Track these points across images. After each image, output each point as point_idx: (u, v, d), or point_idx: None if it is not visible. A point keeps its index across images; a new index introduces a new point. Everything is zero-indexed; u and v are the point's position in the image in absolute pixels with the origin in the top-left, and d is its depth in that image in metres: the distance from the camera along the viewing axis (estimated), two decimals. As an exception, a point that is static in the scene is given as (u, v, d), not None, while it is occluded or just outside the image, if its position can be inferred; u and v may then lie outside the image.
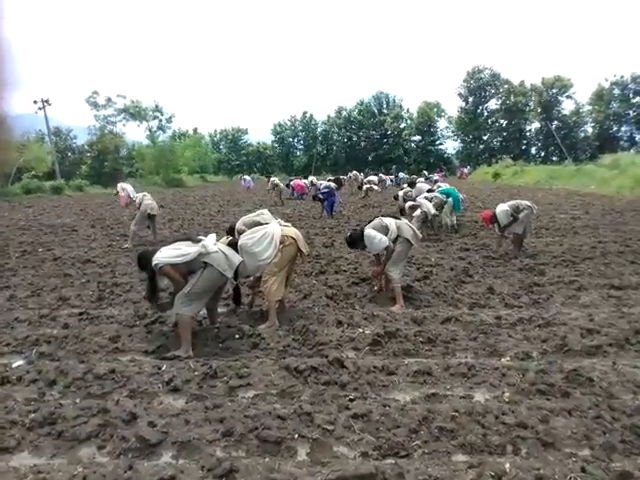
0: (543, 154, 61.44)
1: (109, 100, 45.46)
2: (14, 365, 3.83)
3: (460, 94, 62.59)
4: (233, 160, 72.62)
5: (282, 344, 4.26)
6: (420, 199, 10.09)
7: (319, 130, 73.40)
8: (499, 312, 5.07)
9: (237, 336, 4.40)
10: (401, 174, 38.56)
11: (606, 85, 55.62)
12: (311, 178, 24.53)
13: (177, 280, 4.19)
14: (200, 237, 4.43)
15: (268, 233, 4.97)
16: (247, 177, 34.93)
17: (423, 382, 3.52)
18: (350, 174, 28.12)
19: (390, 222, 5.65)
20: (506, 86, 60.95)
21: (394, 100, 69.18)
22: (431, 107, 66.13)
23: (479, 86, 61.46)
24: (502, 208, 8.07)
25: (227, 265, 4.26)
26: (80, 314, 5.11)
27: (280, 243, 4.90)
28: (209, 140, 71.33)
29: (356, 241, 5.76)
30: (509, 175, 40.70)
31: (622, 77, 54.37)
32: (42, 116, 33.34)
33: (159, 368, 3.72)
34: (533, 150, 63.33)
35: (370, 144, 68.51)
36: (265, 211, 7.43)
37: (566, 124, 58.73)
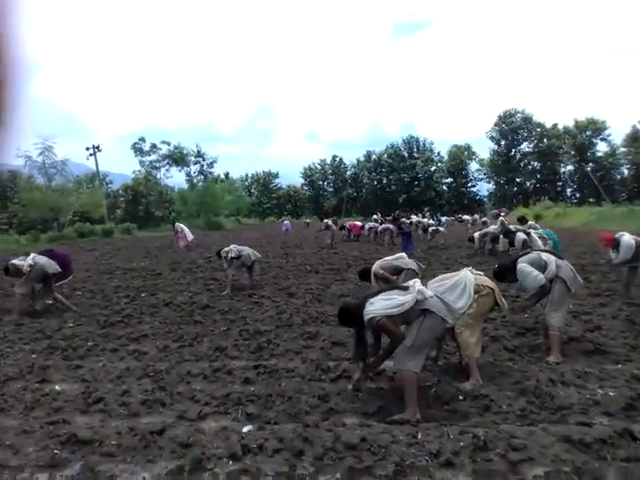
0: (579, 196, 60.69)
1: (154, 147, 46.75)
2: (244, 430, 3.39)
3: (492, 137, 62.97)
4: (264, 203, 73.48)
5: (517, 407, 3.75)
6: (535, 236, 9.57)
7: (348, 173, 74.25)
8: None
9: (461, 397, 3.91)
10: (444, 218, 37.58)
11: (640, 127, 55.24)
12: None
13: (395, 333, 3.76)
14: (406, 284, 4.03)
15: (461, 280, 4.54)
16: (286, 221, 35.77)
17: None
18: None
19: (550, 259, 5.16)
20: (539, 129, 61.20)
21: (424, 144, 69.89)
22: (462, 150, 66.52)
23: (511, 129, 61.81)
24: (629, 242, 7.12)
25: (447, 310, 3.83)
26: (255, 367, 4.69)
27: (475, 292, 4.45)
28: (240, 184, 72.33)
29: (505, 274, 5.34)
30: (551, 217, 39.80)
31: (657, 118, 54.02)
32: (88, 163, 34.35)
33: (414, 436, 3.23)
34: (568, 192, 62.66)
35: (401, 187, 68.71)
36: (403, 255, 7.09)
37: (601, 166, 58.13)
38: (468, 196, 66.27)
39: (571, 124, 59.53)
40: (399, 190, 68.83)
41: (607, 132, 58.01)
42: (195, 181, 47.41)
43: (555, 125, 60.71)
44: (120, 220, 43.78)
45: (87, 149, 32.79)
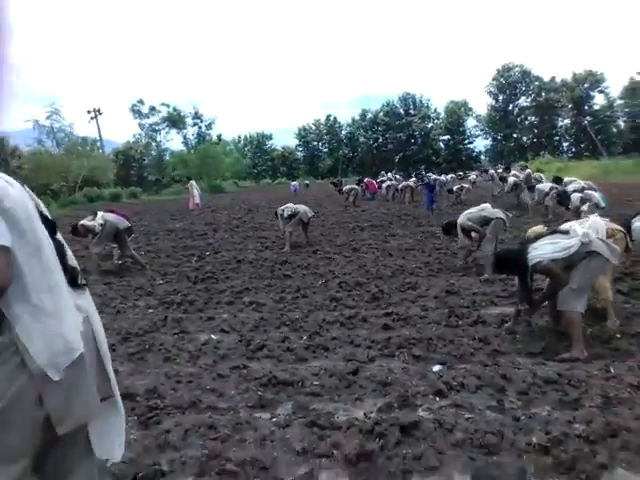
0: (575, 150, 60.71)
1: (153, 109, 45.47)
2: (434, 369, 3.48)
3: (490, 92, 62.19)
4: (259, 165, 72.54)
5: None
6: (590, 191, 9.59)
7: (344, 133, 73.20)
8: None
9: (618, 336, 4.02)
10: (449, 176, 36.27)
11: (638, 78, 54.81)
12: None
13: (560, 276, 3.82)
14: (565, 228, 4.07)
15: (592, 226, 4.58)
16: (295, 182, 35.30)
17: None
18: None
19: None
20: (537, 83, 60.51)
21: (421, 101, 68.79)
22: (459, 106, 65.73)
23: (509, 83, 61.02)
24: None
25: (609, 251, 3.88)
26: (387, 315, 4.76)
27: (610, 236, 4.46)
28: (233, 147, 70.86)
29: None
30: (553, 171, 39.82)
31: (656, 70, 53.59)
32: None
33: (607, 371, 3.34)
34: (565, 146, 62.62)
35: (397, 145, 68.06)
36: (487, 205, 7.10)
37: (599, 119, 57.91)
38: (465, 153, 65.98)
39: (569, 77, 58.95)
40: (395, 149, 68.18)
41: (605, 84, 57.51)
42: (192, 144, 46.36)
43: (553, 78, 60.05)
44: (114, 184, 43.02)
45: (88, 112, 31.85)
